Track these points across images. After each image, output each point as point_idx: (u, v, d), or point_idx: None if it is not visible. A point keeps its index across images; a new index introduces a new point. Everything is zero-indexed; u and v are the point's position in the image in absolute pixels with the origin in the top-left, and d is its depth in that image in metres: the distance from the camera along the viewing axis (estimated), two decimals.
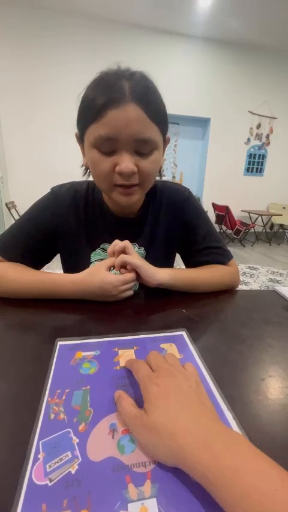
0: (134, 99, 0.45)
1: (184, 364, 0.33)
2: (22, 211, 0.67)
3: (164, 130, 0.52)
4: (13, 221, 3.32)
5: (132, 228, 0.65)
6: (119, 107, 0.44)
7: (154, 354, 0.33)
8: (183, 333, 0.43)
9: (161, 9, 3.53)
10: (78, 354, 0.37)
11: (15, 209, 3.81)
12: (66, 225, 0.62)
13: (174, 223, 0.67)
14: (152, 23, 3.87)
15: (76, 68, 3.78)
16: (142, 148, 0.49)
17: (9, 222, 3.87)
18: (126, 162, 0.48)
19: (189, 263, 0.70)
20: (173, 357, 0.33)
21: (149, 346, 0.40)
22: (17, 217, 3.75)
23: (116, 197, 0.54)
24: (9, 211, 3.66)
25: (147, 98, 0.47)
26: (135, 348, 0.39)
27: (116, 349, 0.39)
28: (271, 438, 0.27)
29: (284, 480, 0.18)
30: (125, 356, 0.37)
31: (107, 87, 0.45)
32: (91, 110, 0.46)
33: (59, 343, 0.40)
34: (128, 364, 0.34)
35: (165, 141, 0.56)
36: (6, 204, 3.64)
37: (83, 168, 0.59)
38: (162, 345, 0.40)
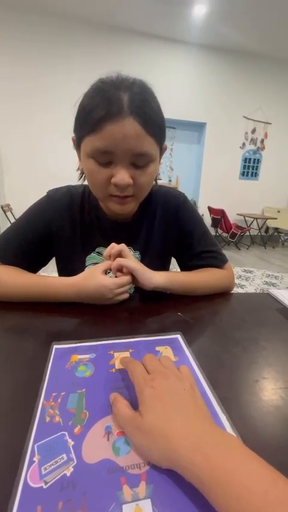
0: (132, 112, 0.45)
1: (179, 366, 0.33)
2: (18, 214, 0.68)
3: (160, 142, 0.53)
4: (9, 224, 3.30)
5: (127, 232, 0.65)
6: (117, 121, 0.45)
7: (149, 356, 0.33)
8: (178, 336, 0.44)
9: (158, 16, 3.58)
10: (74, 357, 0.37)
11: (11, 212, 3.80)
12: (62, 228, 0.63)
13: (169, 228, 0.67)
14: (149, 30, 3.93)
15: (74, 73, 3.82)
16: (138, 161, 0.49)
17: (4, 224, 3.85)
18: (122, 175, 0.48)
19: (185, 267, 0.70)
20: (168, 360, 0.34)
21: (145, 349, 0.40)
22: (12, 220, 3.73)
23: (111, 206, 0.55)
24: (5, 214, 3.65)
25: (146, 111, 0.47)
26: (130, 350, 0.39)
27: (112, 352, 0.39)
28: (264, 439, 0.28)
29: (275, 480, 0.19)
30: (121, 359, 0.37)
31: (105, 99, 0.45)
32: (89, 121, 0.46)
33: (55, 346, 0.40)
34: (123, 363, 0.34)
35: (162, 151, 0.56)
36: (2, 207, 3.63)
37: (79, 172, 0.60)
38: (157, 348, 0.40)
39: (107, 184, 0.51)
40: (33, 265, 0.64)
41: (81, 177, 0.61)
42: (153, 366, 0.31)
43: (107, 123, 0.45)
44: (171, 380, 0.29)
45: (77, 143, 0.53)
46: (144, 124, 0.46)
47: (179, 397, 0.27)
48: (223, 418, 0.29)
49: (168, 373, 0.30)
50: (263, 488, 0.18)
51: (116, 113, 0.44)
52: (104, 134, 0.45)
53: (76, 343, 0.41)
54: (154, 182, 0.61)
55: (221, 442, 0.22)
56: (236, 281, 3.00)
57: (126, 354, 0.39)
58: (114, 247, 0.53)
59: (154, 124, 0.49)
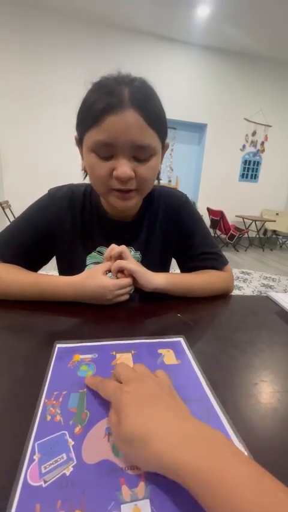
0: (133, 105, 0.45)
1: (155, 371, 0.32)
2: (17, 211, 0.67)
3: (162, 137, 0.53)
4: (7, 221, 3.29)
5: (128, 231, 0.65)
6: (118, 112, 0.45)
7: (122, 365, 0.32)
8: (181, 340, 0.44)
9: (161, 16, 3.58)
10: (76, 357, 0.37)
11: (10, 209, 3.78)
12: (63, 227, 0.63)
13: (170, 228, 0.67)
14: (152, 30, 3.93)
15: (75, 71, 3.80)
16: (140, 154, 0.49)
17: (3, 221, 3.82)
18: (124, 168, 0.48)
19: (185, 268, 0.70)
20: (142, 367, 0.32)
21: (147, 351, 0.40)
22: (11, 217, 3.71)
23: (112, 201, 0.54)
24: (4, 211, 3.62)
25: (147, 104, 0.47)
26: (132, 351, 0.39)
27: (114, 353, 0.39)
28: (262, 441, 0.28)
29: (261, 477, 0.19)
30: (123, 360, 0.37)
31: (107, 93, 0.46)
32: (90, 115, 0.47)
33: (57, 345, 0.40)
34: (92, 385, 0.32)
35: (164, 147, 0.56)
36: (1, 204, 3.61)
37: (83, 171, 0.60)
38: (159, 350, 0.40)
39: (108, 178, 0.50)
40: (34, 264, 0.63)
41: (85, 177, 0.61)
42: (127, 374, 0.30)
43: (108, 115, 0.45)
44: (147, 383, 0.28)
45: (79, 140, 0.53)
46: (146, 116, 0.46)
47: (157, 398, 0.26)
48: (223, 419, 0.29)
49: (144, 377, 0.29)
50: (247, 486, 0.18)
51: (117, 105, 0.45)
52: (105, 126, 0.45)
53: (78, 342, 0.41)
54: (156, 181, 0.61)
55: (203, 439, 0.22)
56: (234, 283, 2.99)
57: (129, 355, 0.39)
58: (114, 248, 0.53)
59: (156, 117, 0.48)
